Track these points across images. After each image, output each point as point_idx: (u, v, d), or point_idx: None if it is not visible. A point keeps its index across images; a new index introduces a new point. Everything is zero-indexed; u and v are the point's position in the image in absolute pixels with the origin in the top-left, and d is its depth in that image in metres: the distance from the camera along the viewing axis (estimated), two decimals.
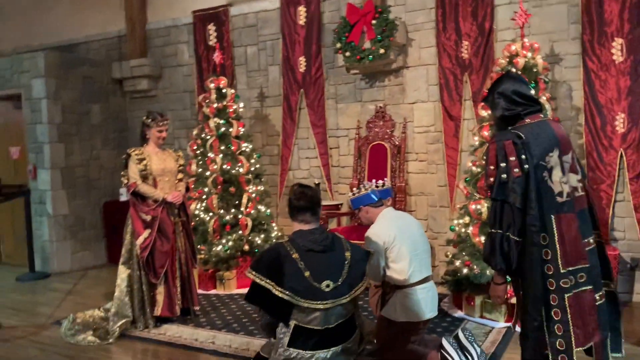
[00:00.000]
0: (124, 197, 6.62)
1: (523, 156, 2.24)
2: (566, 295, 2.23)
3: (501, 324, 4.14)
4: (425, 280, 3.37)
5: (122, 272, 4.40)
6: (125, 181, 4.48)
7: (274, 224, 5.87)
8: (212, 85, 5.72)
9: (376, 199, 3.50)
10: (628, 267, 4.70)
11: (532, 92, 2.37)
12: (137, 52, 7.25)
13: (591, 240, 2.37)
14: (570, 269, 2.25)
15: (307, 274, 2.65)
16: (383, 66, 5.65)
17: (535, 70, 4.35)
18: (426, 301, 3.34)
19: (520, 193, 2.22)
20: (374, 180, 3.70)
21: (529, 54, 4.37)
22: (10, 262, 7.17)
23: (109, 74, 7.30)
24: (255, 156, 5.83)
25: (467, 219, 4.49)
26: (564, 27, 4.95)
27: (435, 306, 3.43)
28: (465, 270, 4.33)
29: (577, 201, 2.34)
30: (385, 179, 3.71)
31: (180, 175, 4.69)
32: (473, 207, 4.39)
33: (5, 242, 7.33)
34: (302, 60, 6.23)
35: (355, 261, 2.83)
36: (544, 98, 4.33)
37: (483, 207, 4.30)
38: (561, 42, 4.96)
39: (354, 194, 3.57)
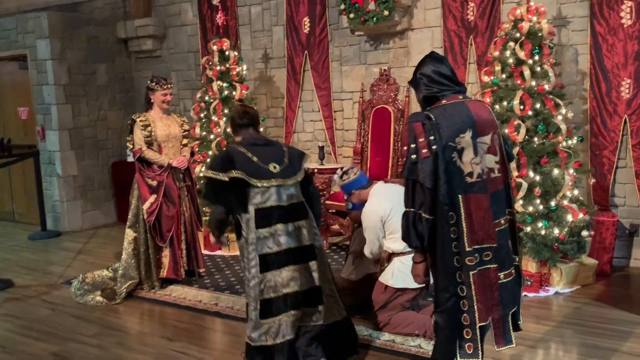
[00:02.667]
0: (131, 157, 6.73)
1: (432, 137, 2.27)
2: (471, 273, 2.30)
3: None
4: None
5: (129, 235, 4.51)
6: (131, 147, 4.53)
7: None
8: (214, 48, 5.68)
9: (365, 182, 3.65)
10: (627, 233, 4.73)
11: (449, 72, 2.43)
12: (141, 12, 7.17)
13: (502, 221, 2.39)
14: (476, 247, 2.30)
15: (255, 159, 3.00)
16: (387, 28, 5.56)
17: (540, 34, 4.27)
18: None
19: (429, 172, 2.26)
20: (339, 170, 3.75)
21: (534, 18, 4.28)
22: (22, 220, 7.36)
23: (114, 34, 7.26)
24: (260, 119, 5.83)
25: None
26: None
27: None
28: None
29: (490, 182, 2.36)
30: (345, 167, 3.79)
31: (185, 141, 4.72)
32: None
33: (17, 201, 7.50)
34: (306, 20, 6.14)
35: (292, 154, 3.16)
36: (547, 64, 4.27)
37: None
38: (569, 5, 4.83)
39: (343, 180, 3.68)
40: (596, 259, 4.43)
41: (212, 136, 5.61)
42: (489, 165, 2.36)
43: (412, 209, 2.34)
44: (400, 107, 5.57)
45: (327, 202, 5.47)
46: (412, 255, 3.33)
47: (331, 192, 5.60)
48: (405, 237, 2.41)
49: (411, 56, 5.64)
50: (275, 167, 3.02)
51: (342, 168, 3.78)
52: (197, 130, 5.70)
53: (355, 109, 5.96)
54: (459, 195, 2.29)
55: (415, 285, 3.41)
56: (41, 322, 3.93)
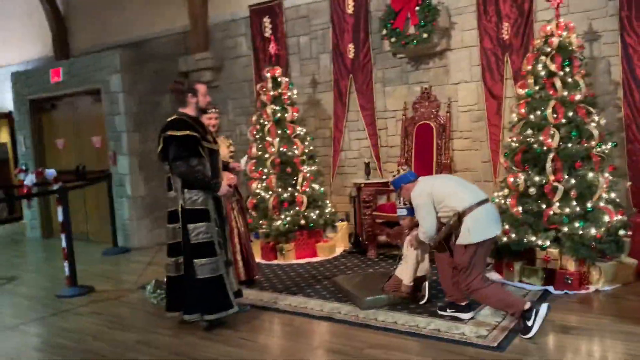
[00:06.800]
0: None
1: None
2: None
3: (537, 287, 4.42)
4: (484, 201, 3.67)
5: None
6: None
7: (327, 201, 6.31)
8: (268, 75, 6.20)
9: (413, 178, 3.94)
10: None
11: None
12: (200, 46, 7.84)
13: None
14: None
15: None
16: (427, 49, 5.94)
17: (570, 48, 4.54)
18: (492, 218, 3.66)
19: None
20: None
21: (564, 34, 4.56)
22: (95, 239, 8.01)
23: (176, 67, 7.93)
24: (308, 139, 6.29)
25: (506, 191, 4.77)
26: (602, 5, 5.08)
27: (500, 223, 3.76)
28: (504, 239, 4.61)
29: None
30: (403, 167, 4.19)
31: (231, 161, 5.13)
32: (511, 179, 4.66)
33: (90, 222, 8.18)
34: (350, 47, 6.60)
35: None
36: (578, 75, 4.52)
37: (520, 179, 4.56)
38: (599, 20, 5.10)
39: (393, 176, 4.01)
40: (637, 260, 4.56)
41: (267, 155, 6.07)
42: None
43: None
44: (442, 122, 5.90)
45: (375, 212, 5.81)
46: (480, 207, 3.60)
47: (377, 204, 5.94)
48: None
49: (450, 74, 5.98)
50: None
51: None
52: (254, 150, 6.19)
53: (399, 126, 6.32)
54: None
55: (491, 235, 3.64)
56: (122, 318, 4.42)
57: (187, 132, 3.89)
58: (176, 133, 3.89)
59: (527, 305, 3.49)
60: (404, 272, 4.24)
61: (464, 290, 3.71)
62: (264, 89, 6.24)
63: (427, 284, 4.26)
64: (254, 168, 6.16)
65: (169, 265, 4.07)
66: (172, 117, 4.04)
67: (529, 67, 4.68)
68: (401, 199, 4.24)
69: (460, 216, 3.64)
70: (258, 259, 5.86)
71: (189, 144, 3.89)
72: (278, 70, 6.24)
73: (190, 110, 4.07)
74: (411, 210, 4.19)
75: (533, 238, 4.44)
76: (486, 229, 3.62)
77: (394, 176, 4.03)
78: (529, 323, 3.46)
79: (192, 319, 3.99)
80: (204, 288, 3.89)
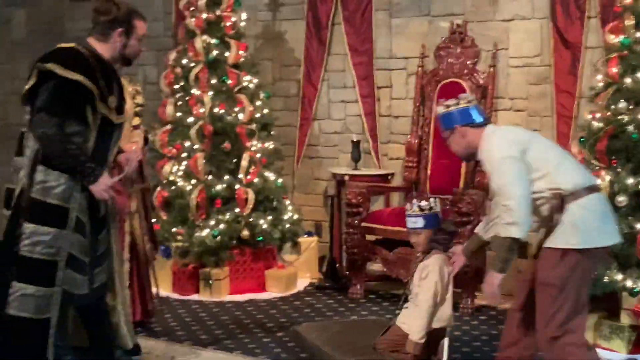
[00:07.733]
0: None
1: None
2: None
3: (621, 357, 4.55)
4: (597, 188, 3.69)
5: None
6: None
7: (287, 201, 6.40)
8: None
9: (482, 119, 3.78)
10: None
11: None
12: None
13: None
14: None
15: None
16: None
17: None
18: (608, 215, 3.61)
19: None
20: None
21: None
22: None
23: None
24: (262, 96, 6.35)
25: None
26: None
27: (617, 227, 3.70)
28: None
29: None
30: None
31: (136, 120, 5.15)
32: None
33: None
34: None
35: None
36: None
37: (604, 180, 4.70)
38: None
39: (448, 107, 3.81)
40: None
41: (190, 119, 6.10)
42: None
43: None
44: (481, 81, 5.98)
45: (366, 223, 5.89)
46: (593, 195, 3.55)
47: (370, 210, 6.02)
48: None
49: (499, 5, 6.11)
50: None
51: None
52: (169, 109, 6.20)
53: (411, 84, 6.42)
54: None
55: (607, 241, 3.57)
56: None
57: (81, 79, 3.83)
58: (64, 73, 3.80)
59: None
60: (412, 321, 4.32)
61: (545, 337, 3.53)
62: (193, 9, 6.23)
63: (446, 341, 4.36)
64: (167, 140, 6.17)
65: None
66: (69, 45, 3.87)
67: (629, 0, 4.83)
68: (413, 201, 4.25)
69: (561, 202, 3.55)
70: (168, 291, 5.93)
71: (77, 99, 3.84)
72: None
73: (105, 50, 3.99)
74: (431, 220, 4.24)
75: (619, 277, 4.59)
76: (601, 229, 3.52)
77: (448, 106, 3.83)
78: None
79: None
80: (14, 330, 3.82)
